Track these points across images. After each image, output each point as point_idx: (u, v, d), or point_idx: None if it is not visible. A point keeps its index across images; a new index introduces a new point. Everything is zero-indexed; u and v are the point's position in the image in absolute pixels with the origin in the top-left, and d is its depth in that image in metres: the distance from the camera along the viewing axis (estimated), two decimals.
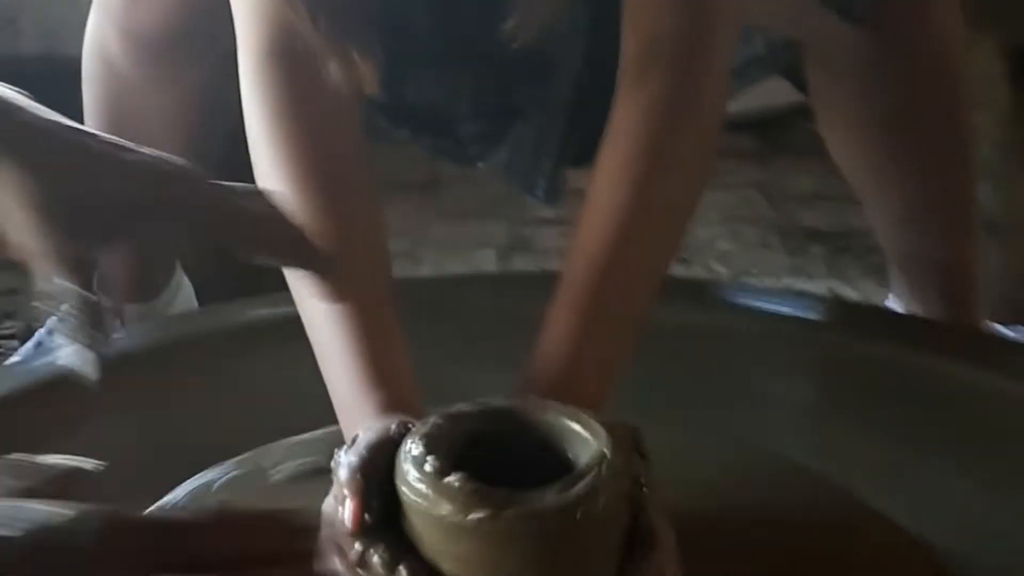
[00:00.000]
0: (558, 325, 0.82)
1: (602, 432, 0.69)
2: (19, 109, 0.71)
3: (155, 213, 0.71)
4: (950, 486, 0.95)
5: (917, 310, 1.34)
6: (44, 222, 0.69)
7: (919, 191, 1.25)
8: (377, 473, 0.69)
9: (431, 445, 0.68)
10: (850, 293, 1.83)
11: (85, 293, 0.69)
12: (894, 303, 1.39)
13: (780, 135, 2.35)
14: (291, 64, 0.89)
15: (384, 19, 0.92)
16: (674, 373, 1.07)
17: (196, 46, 1.08)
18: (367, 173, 0.90)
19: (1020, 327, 1.39)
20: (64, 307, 0.70)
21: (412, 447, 0.68)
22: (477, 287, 1.31)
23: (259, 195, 0.74)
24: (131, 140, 0.97)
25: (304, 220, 0.82)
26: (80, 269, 0.70)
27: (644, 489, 0.70)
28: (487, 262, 2.01)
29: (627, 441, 0.72)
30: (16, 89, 0.72)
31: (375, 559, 0.67)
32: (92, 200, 0.70)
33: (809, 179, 2.16)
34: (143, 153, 0.72)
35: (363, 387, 0.78)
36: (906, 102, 1.17)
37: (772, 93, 1.31)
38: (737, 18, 0.93)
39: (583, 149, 1.21)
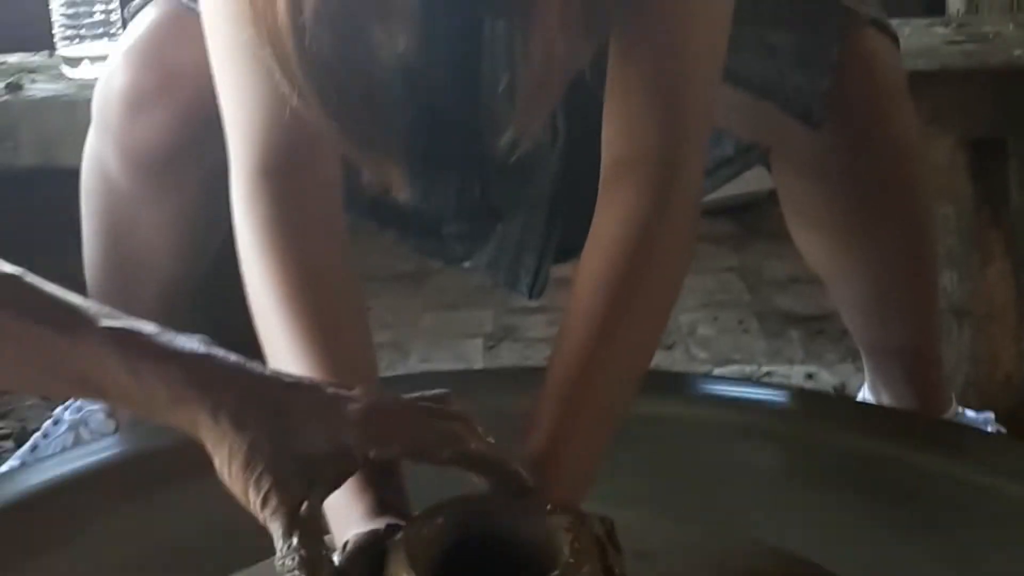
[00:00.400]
0: (542, 419, 0.85)
1: (570, 537, 0.72)
2: (236, 366, 0.77)
3: (362, 456, 0.76)
4: (909, 563, 0.99)
5: (886, 398, 1.37)
6: (251, 480, 0.74)
7: (881, 282, 1.28)
8: None
9: (413, 553, 0.71)
10: (828, 377, 1.86)
11: (304, 549, 0.72)
12: (867, 391, 1.43)
13: (757, 220, 2.40)
14: (281, 182, 0.93)
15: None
16: (651, 463, 1.11)
17: (191, 164, 1.12)
18: (355, 282, 0.95)
19: (987, 412, 1.43)
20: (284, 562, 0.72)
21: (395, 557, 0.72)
22: (463, 383, 1.35)
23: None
24: (128, 253, 1.02)
25: (295, 334, 0.86)
26: (296, 524, 0.73)
27: None
28: (474, 351, 2.04)
29: (603, 533, 0.76)
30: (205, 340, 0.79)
31: None
32: (299, 455, 0.75)
33: (785, 263, 2.20)
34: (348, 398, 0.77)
35: (352, 491, 0.82)
36: (866, 198, 1.20)
37: (749, 180, 1.35)
38: (708, 130, 0.99)
39: (563, 245, 1.26)
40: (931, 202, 1.29)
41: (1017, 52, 1.46)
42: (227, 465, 0.75)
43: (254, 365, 0.79)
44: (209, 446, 0.76)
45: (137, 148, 1.12)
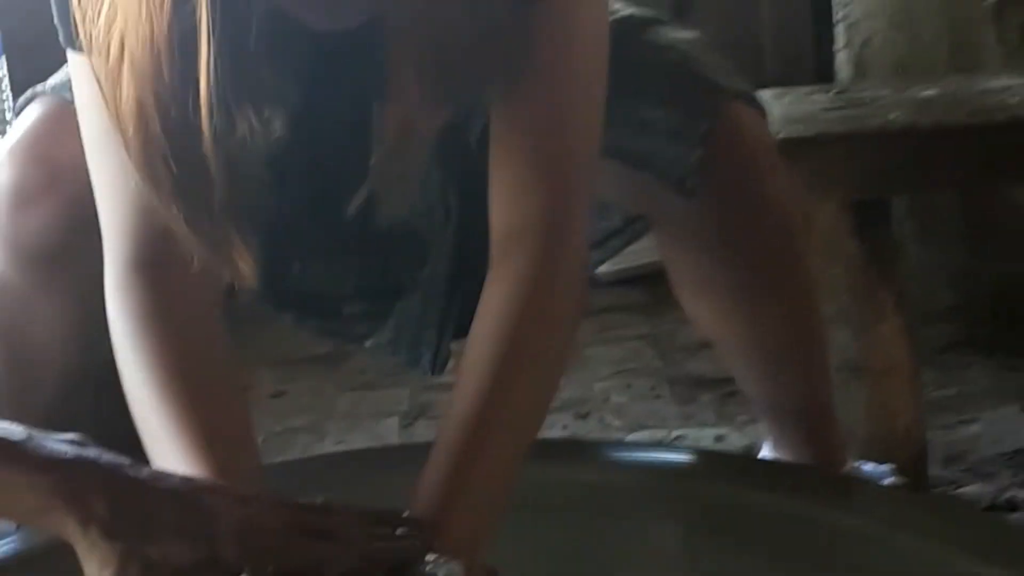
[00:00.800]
0: (430, 484, 0.88)
1: None
2: (108, 472, 0.78)
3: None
4: None
5: (785, 454, 1.40)
6: None
7: (770, 345, 1.31)
8: None
9: None
10: (737, 438, 1.89)
11: None
12: (767, 449, 1.45)
13: (667, 289, 2.42)
14: (151, 274, 0.95)
15: (264, 215, 0.98)
16: (555, 530, 1.13)
17: (80, 256, 1.11)
18: (233, 371, 0.96)
19: (883, 465, 1.46)
20: None
21: None
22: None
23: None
24: (22, 348, 1.02)
25: (173, 427, 0.87)
26: None
27: None
28: (390, 430, 2.05)
29: None
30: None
31: None
32: (173, 567, 0.77)
33: (695, 329, 2.23)
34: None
35: None
36: (747, 263, 1.23)
37: (655, 250, 1.38)
38: (590, 200, 1.01)
39: (463, 320, 1.28)
40: (809, 263, 1.32)
41: (892, 115, 1.50)
42: (98, 574, 0.76)
43: (129, 468, 0.79)
44: (80, 554, 0.76)
45: (26, 244, 1.13)
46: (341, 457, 1.58)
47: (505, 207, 0.98)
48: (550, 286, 0.96)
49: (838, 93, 1.63)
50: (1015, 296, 2.12)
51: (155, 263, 0.95)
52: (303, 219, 1.17)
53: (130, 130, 0.86)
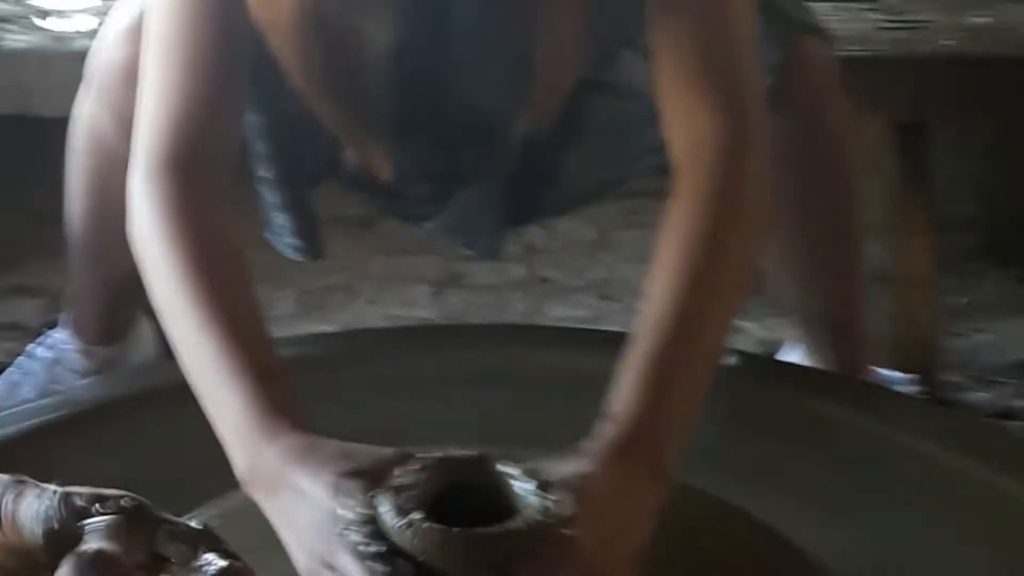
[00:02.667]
0: (627, 391, 0.88)
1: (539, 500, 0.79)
2: None
3: None
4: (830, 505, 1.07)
5: (811, 358, 1.47)
6: None
7: (812, 254, 1.38)
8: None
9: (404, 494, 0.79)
10: (756, 330, 1.94)
11: None
12: (789, 350, 1.53)
13: None
14: (185, 169, 1.01)
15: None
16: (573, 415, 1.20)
17: None
18: (251, 273, 1.01)
19: (908, 373, 1.54)
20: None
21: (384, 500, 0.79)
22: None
23: None
24: (114, 213, 1.09)
25: (199, 310, 0.93)
26: None
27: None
28: (421, 296, 2.11)
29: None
30: None
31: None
32: None
33: None
34: None
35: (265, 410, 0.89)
36: (801, 180, 1.30)
37: None
38: (764, 105, 1.02)
39: (521, 210, 1.34)
40: (856, 182, 1.38)
41: (943, 41, 1.55)
42: None
43: None
44: None
45: (131, 116, 1.18)
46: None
47: (682, 126, 0.99)
48: (737, 201, 0.96)
49: (892, 13, 1.67)
50: None
51: (189, 162, 1.01)
52: (383, 105, 1.22)
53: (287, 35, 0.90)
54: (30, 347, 1.61)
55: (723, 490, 1.00)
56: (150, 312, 1.55)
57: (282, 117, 1.17)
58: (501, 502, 0.80)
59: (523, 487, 0.80)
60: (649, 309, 0.92)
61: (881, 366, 1.53)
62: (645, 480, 0.84)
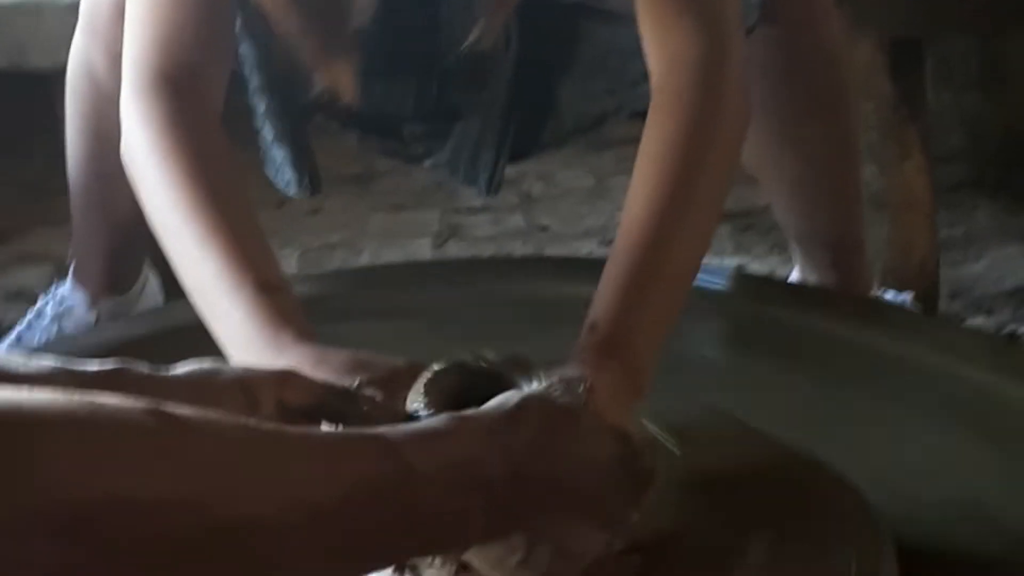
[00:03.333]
0: (608, 294, 0.90)
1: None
2: None
3: None
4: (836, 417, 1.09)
5: (813, 279, 1.49)
6: None
7: (809, 175, 1.39)
8: None
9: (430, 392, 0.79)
10: (757, 267, 1.97)
11: None
12: (796, 275, 1.55)
13: None
14: (178, 85, 1.00)
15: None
16: None
17: None
18: (237, 171, 1.00)
19: (902, 293, 1.56)
20: None
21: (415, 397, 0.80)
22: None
23: None
24: (112, 151, 1.09)
25: (199, 224, 0.93)
26: None
27: None
28: (423, 250, 2.13)
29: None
30: None
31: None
32: None
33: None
34: None
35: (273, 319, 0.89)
36: (796, 98, 1.31)
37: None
38: (741, 19, 1.04)
39: (519, 143, 1.34)
40: (854, 102, 1.39)
41: None
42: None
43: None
44: None
45: None
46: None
47: (660, 43, 1.00)
48: (714, 114, 0.97)
49: None
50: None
51: (183, 79, 1.00)
52: (374, 41, 1.23)
53: None
54: (39, 303, 1.62)
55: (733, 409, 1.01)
56: (155, 264, 1.58)
57: (271, 46, 1.17)
58: None
59: (532, 387, 0.81)
60: (627, 220, 0.93)
61: (879, 288, 1.55)
62: (622, 378, 0.85)
